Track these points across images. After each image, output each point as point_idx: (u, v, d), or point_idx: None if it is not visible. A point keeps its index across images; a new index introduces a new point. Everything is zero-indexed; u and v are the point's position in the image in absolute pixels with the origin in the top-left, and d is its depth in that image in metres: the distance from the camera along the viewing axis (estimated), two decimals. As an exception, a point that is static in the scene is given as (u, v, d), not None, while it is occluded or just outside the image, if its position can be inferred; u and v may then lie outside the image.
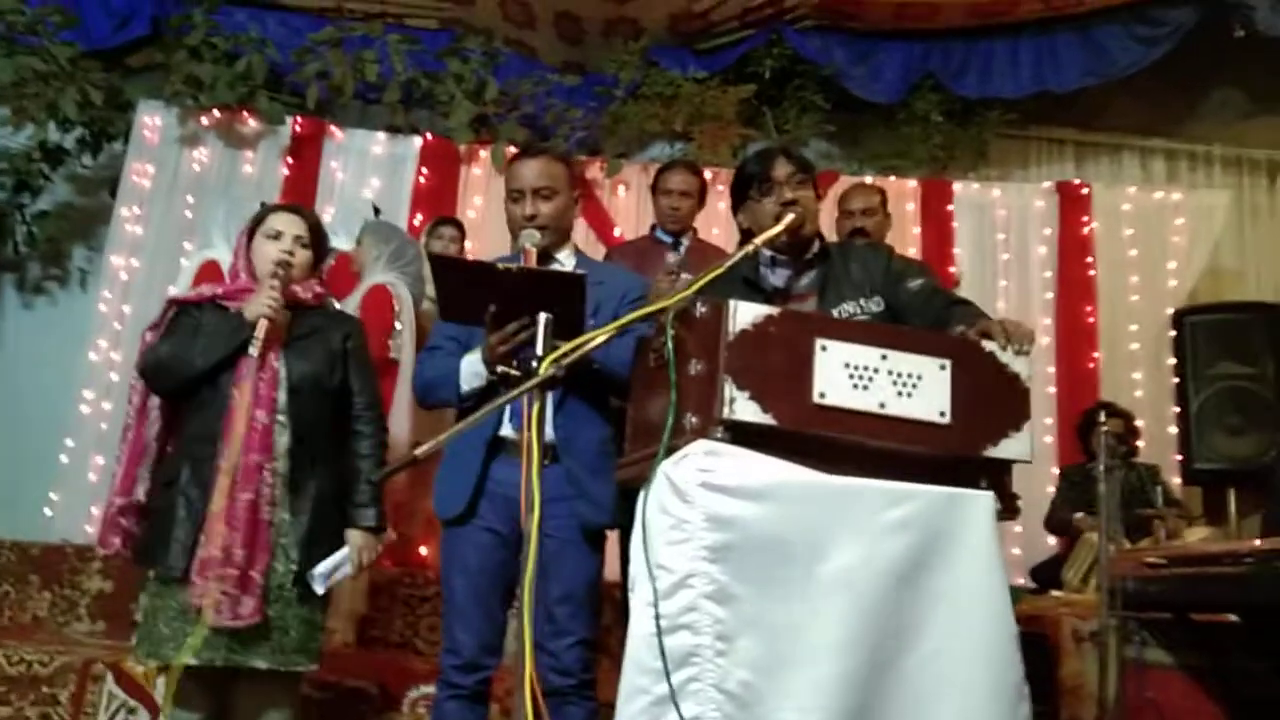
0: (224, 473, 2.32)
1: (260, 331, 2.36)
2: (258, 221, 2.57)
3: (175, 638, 2.31)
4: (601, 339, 1.91)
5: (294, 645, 2.37)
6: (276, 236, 2.51)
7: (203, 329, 2.46)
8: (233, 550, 2.30)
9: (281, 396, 2.43)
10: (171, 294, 3.00)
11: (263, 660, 2.33)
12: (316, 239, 2.58)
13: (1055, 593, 3.81)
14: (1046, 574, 4.29)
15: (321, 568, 2.39)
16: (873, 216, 3.76)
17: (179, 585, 2.32)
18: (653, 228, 3.79)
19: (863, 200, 3.82)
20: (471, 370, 2.28)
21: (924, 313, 2.16)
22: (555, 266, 2.39)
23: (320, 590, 2.39)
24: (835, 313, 2.18)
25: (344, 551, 2.43)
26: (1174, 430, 5.14)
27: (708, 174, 4.26)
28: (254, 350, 2.36)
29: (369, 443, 2.53)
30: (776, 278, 2.25)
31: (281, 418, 2.42)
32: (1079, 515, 4.19)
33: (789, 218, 2.15)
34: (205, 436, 2.39)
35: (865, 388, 1.80)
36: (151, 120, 5.23)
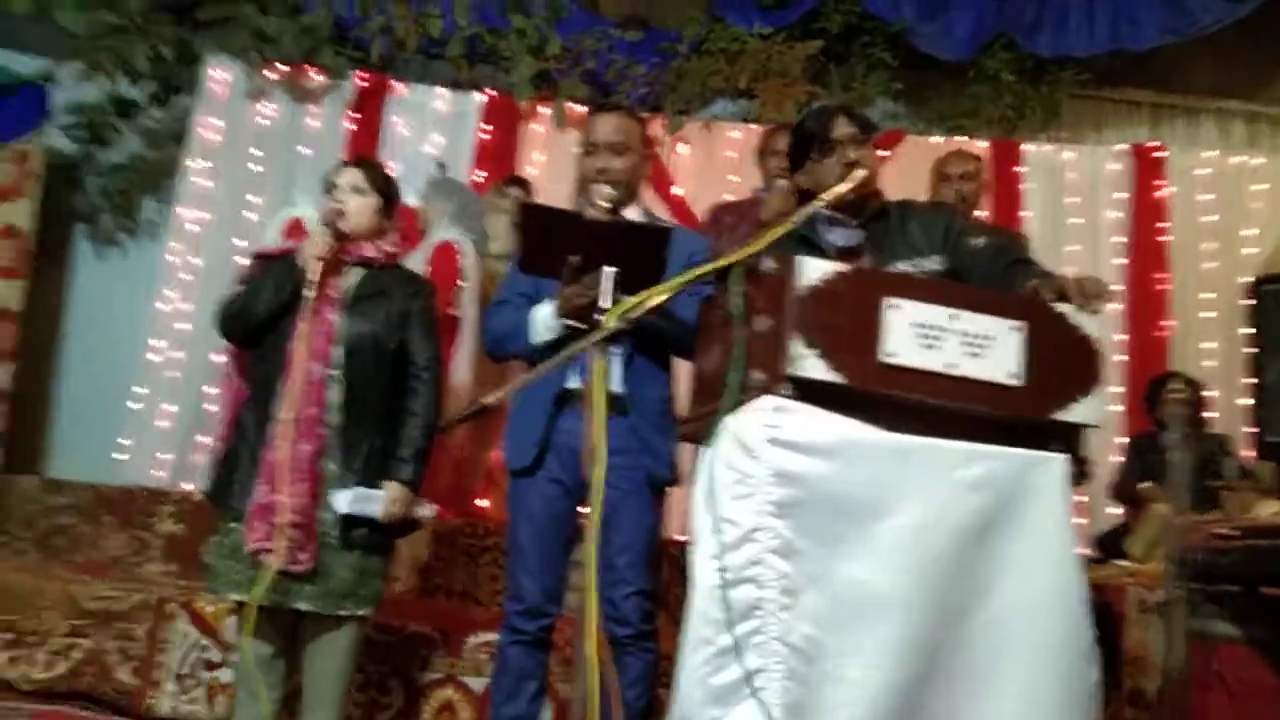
0: (285, 423, 2.37)
1: (312, 274, 2.41)
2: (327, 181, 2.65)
3: (227, 574, 2.42)
4: (666, 295, 1.90)
5: (341, 590, 2.41)
6: (333, 190, 2.59)
7: (269, 278, 2.53)
8: (301, 499, 2.36)
9: (336, 352, 2.47)
10: (259, 249, 3.08)
11: (306, 603, 2.39)
12: (377, 185, 2.61)
13: (1119, 562, 3.75)
14: (1110, 544, 4.23)
15: (349, 493, 2.40)
16: (970, 182, 3.81)
17: (237, 524, 2.40)
18: (757, 194, 3.75)
19: (959, 165, 3.88)
20: (544, 323, 2.30)
21: (987, 272, 2.12)
22: None
23: (340, 509, 2.40)
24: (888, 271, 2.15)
25: (380, 492, 2.44)
26: (1246, 402, 5.01)
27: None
28: (308, 292, 2.41)
29: (422, 402, 2.54)
30: (834, 236, 2.22)
31: (335, 372, 2.46)
32: (1145, 485, 4.11)
33: (859, 173, 2.13)
34: (266, 384, 2.46)
35: (934, 348, 1.78)
36: (219, 75, 5.30)
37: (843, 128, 2.20)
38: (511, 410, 2.45)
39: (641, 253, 2.02)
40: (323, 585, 2.40)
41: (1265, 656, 2.64)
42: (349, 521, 2.42)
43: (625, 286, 1.95)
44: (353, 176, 2.59)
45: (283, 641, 2.51)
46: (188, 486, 4.68)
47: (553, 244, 2.10)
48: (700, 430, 1.91)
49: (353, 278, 2.56)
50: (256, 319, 2.50)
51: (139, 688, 3.04)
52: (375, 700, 3.00)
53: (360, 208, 2.57)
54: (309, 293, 2.42)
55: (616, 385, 2.27)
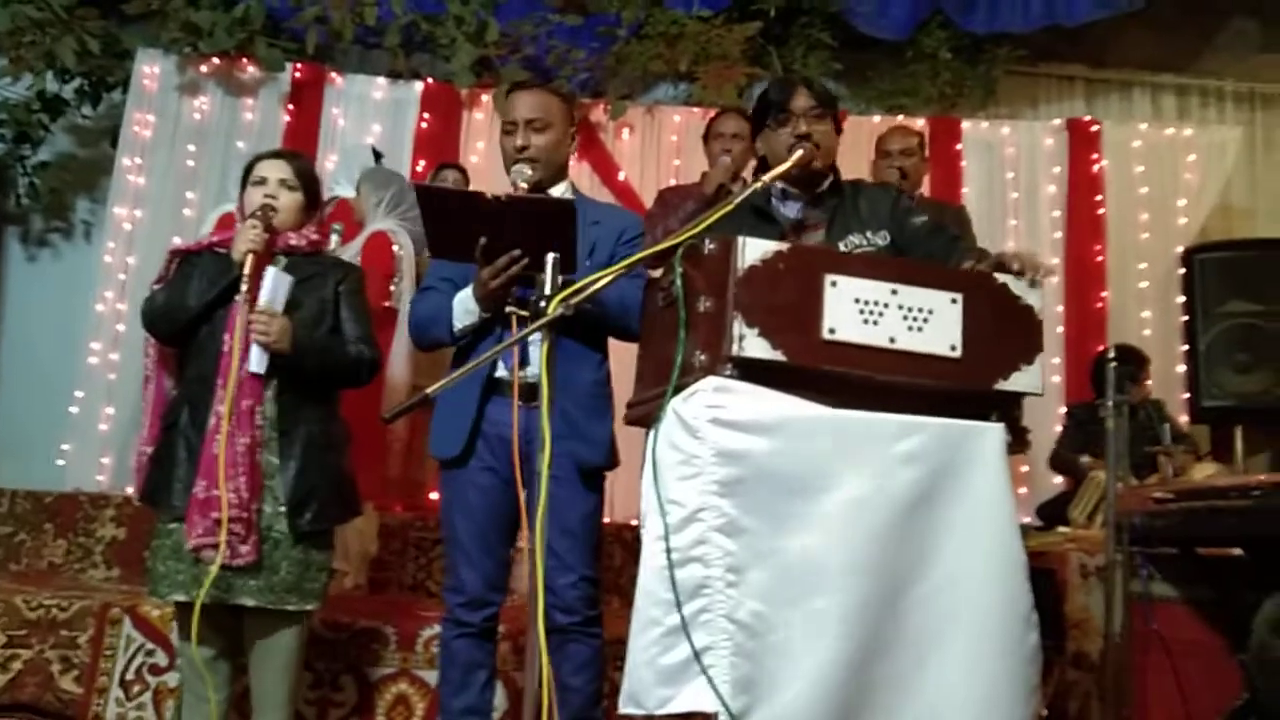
0: (223, 417, 2.34)
1: (248, 268, 2.38)
2: (248, 171, 2.60)
3: (169, 575, 2.38)
4: (609, 279, 1.90)
5: (284, 585, 2.39)
6: (261, 182, 2.54)
7: (197, 273, 2.49)
8: (241, 494, 2.33)
9: None
10: (173, 245, 3.02)
11: (250, 598, 2.36)
12: (305, 181, 2.58)
13: (1061, 529, 3.83)
14: (1052, 511, 4.32)
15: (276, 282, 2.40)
16: (910, 158, 3.81)
17: (178, 524, 2.36)
18: (704, 175, 3.76)
19: (900, 142, 3.87)
20: (464, 308, 2.27)
21: (927, 247, 2.18)
22: None
23: (269, 281, 2.39)
24: (842, 245, 2.18)
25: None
26: (1182, 369, 5.14)
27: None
28: (243, 286, 2.37)
29: (347, 344, 2.52)
30: (788, 209, 2.26)
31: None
32: (1086, 459, 4.19)
33: (797, 154, 2.14)
34: (202, 379, 2.42)
35: (875, 323, 1.80)
36: (150, 69, 5.18)
37: (801, 99, 2.21)
38: (437, 400, 2.43)
39: (548, 227, 2.00)
40: (267, 579, 2.37)
41: (1203, 615, 2.71)
42: (294, 509, 2.39)
43: (537, 263, 1.93)
44: (282, 170, 2.55)
45: (224, 643, 2.48)
46: (129, 490, 4.59)
47: (458, 227, 2.08)
48: (648, 413, 1.91)
49: (278, 266, 2.52)
50: (188, 314, 2.46)
51: (83, 696, 2.98)
52: (328, 698, 2.97)
53: (289, 203, 2.54)
54: (244, 286, 2.38)
55: (542, 372, 2.23)
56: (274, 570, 2.38)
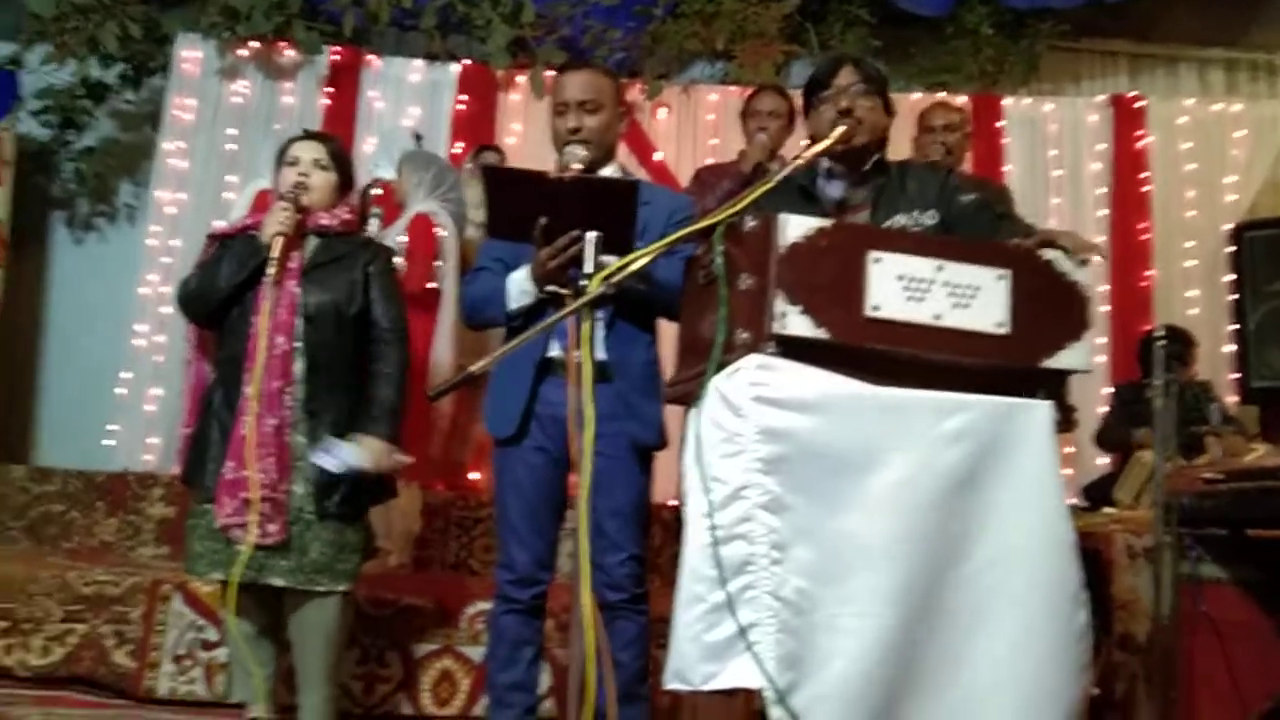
0: (251, 398, 2.37)
1: (275, 250, 2.40)
2: (281, 152, 2.63)
3: (206, 554, 2.43)
4: (649, 257, 1.90)
5: (314, 566, 2.41)
6: (295, 163, 2.56)
7: (229, 255, 2.51)
8: (269, 474, 2.36)
9: (299, 323, 2.46)
10: (211, 229, 3.06)
11: (280, 578, 2.39)
12: (338, 162, 2.60)
13: (1108, 510, 3.78)
14: (1098, 492, 4.27)
15: (324, 448, 2.38)
16: (954, 133, 3.76)
17: (212, 505, 2.40)
18: (741, 153, 3.74)
19: (944, 117, 3.82)
20: (519, 288, 2.27)
21: (974, 225, 2.14)
22: None
23: (330, 467, 2.37)
24: (888, 225, 2.15)
25: (350, 445, 2.40)
26: (1230, 348, 5.05)
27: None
28: (270, 269, 2.39)
29: (389, 361, 2.53)
30: (832, 189, 2.22)
31: (298, 344, 2.45)
32: (1143, 431, 4.11)
33: (838, 130, 2.11)
34: (233, 360, 2.45)
35: (920, 300, 1.78)
36: (190, 53, 5.24)
37: (845, 77, 2.17)
38: (491, 379, 2.44)
39: (610, 208, 2.00)
40: (297, 560, 2.40)
41: (1252, 597, 2.67)
42: (322, 491, 2.41)
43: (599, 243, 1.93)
44: (315, 151, 2.57)
45: (268, 619, 2.51)
46: (177, 470, 4.67)
47: (520, 206, 2.08)
48: (688, 392, 1.91)
49: (309, 247, 2.55)
50: (218, 296, 2.48)
51: (136, 670, 3.05)
52: (374, 673, 3.02)
53: (322, 183, 2.55)
54: (271, 270, 2.40)
55: (600, 351, 2.24)
56: (304, 551, 2.41)
